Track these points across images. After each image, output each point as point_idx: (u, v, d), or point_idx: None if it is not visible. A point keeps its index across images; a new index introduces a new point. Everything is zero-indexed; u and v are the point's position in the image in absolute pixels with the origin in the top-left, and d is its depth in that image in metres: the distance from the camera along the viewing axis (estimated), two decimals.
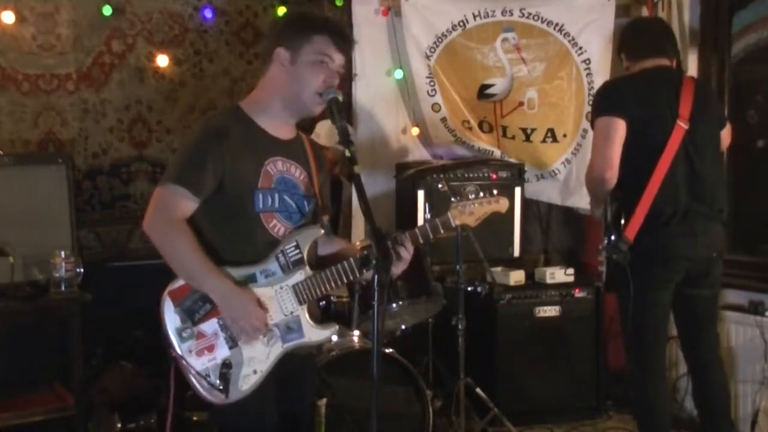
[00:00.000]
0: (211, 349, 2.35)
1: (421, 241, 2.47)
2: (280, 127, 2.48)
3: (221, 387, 2.32)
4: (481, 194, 2.56)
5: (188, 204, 2.32)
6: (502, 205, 2.58)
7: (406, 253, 2.39)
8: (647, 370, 3.48)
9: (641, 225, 3.28)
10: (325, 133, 4.13)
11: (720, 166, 3.65)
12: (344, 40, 2.44)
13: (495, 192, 2.58)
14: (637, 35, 3.64)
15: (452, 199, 2.57)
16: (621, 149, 3.33)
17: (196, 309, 2.34)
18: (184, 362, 2.34)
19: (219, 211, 2.36)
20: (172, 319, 2.35)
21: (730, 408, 3.74)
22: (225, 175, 2.34)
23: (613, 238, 3.32)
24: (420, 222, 4.33)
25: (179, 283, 2.36)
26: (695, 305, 3.54)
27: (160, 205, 2.33)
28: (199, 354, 2.34)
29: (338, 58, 2.43)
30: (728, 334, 4.20)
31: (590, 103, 4.69)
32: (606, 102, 3.43)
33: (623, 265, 3.29)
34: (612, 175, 3.33)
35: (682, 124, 3.33)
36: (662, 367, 3.59)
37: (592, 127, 3.48)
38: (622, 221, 3.32)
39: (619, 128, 3.32)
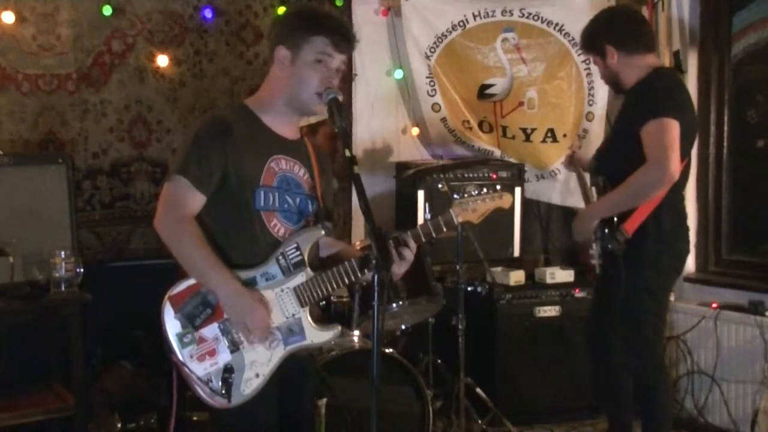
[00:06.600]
0: (212, 353, 2.33)
1: (423, 239, 2.43)
2: (285, 126, 2.47)
3: (224, 392, 2.31)
4: (484, 190, 2.49)
5: (195, 198, 2.31)
6: (506, 200, 2.52)
7: (410, 253, 2.37)
8: (660, 364, 3.45)
9: (648, 221, 3.22)
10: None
11: None
12: (345, 39, 2.41)
13: (498, 187, 2.51)
14: (637, 26, 3.41)
15: (454, 196, 2.51)
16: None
17: (196, 314, 2.33)
18: (185, 368, 2.33)
19: (221, 208, 2.35)
20: (172, 325, 2.34)
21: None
22: (229, 169, 2.32)
23: (607, 230, 3.28)
24: (420, 222, 4.33)
25: (179, 288, 2.35)
26: None
27: (168, 202, 2.33)
28: (201, 359, 2.33)
29: (338, 57, 2.41)
30: (728, 334, 4.21)
31: (590, 103, 4.73)
32: (665, 102, 3.17)
33: (618, 257, 3.24)
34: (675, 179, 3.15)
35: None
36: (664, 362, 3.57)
37: (637, 126, 3.16)
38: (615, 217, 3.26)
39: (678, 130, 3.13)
